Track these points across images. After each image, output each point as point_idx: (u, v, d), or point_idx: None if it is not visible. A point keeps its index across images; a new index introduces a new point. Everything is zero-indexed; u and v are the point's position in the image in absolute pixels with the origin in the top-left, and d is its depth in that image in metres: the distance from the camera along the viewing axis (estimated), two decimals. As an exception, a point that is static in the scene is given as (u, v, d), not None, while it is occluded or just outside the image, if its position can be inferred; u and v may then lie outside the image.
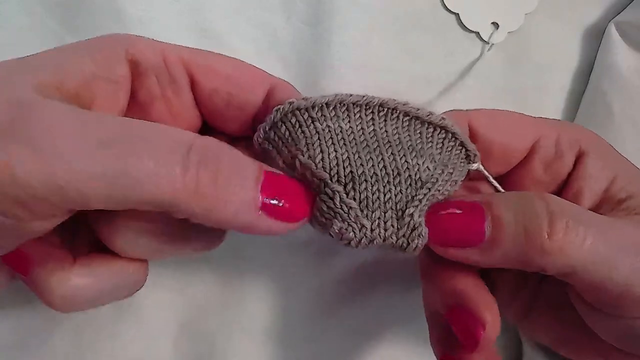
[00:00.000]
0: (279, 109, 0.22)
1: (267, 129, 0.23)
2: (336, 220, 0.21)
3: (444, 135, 0.23)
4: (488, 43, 0.34)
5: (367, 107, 0.22)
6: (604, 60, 0.34)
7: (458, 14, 0.34)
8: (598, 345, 0.25)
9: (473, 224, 0.21)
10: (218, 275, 0.30)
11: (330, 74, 0.31)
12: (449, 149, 0.23)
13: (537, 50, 0.34)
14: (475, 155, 0.24)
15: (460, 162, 0.24)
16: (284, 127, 0.22)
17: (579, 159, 0.25)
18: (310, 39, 0.32)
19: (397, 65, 0.33)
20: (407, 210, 0.21)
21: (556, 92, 0.35)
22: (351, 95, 0.22)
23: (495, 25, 0.34)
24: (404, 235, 0.21)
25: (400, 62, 0.33)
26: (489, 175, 0.25)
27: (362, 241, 0.21)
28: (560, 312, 0.26)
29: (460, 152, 0.24)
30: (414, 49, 0.33)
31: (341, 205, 0.21)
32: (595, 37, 0.35)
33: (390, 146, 0.22)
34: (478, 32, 0.34)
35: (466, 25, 0.34)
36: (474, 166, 0.24)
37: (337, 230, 0.21)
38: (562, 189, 0.26)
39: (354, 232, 0.21)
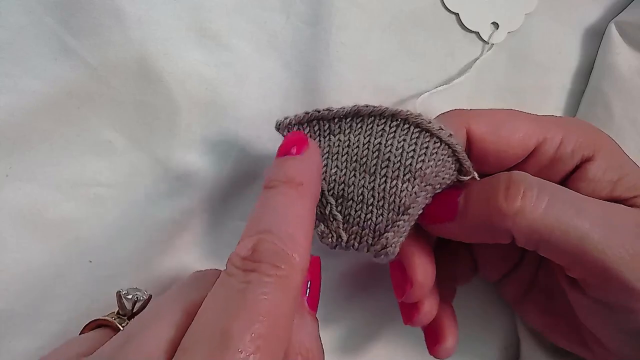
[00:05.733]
0: (306, 115, 0.25)
1: (293, 123, 0.25)
2: (322, 225, 0.24)
3: (446, 152, 0.24)
4: (488, 43, 0.34)
5: (381, 117, 0.24)
6: (604, 60, 0.34)
7: (458, 13, 0.34)
8: (583, 337, 0.26)
9: (447, 204, 0.24)
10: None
11: (330, 74, 0.31)
12: (446, 163, 0.24)
13: (537, 50, 0.34)
14: (468, 171, 0.25)
15: (451, 175, 0.25)
16: (307, 129, 0.25)
17: (582, 163, 0.25)
18: (309, 38, 0.32)
19: (396, 65, 0.33)
20: (385, 234, 0.24)
21: (556, 92, 0.35)
22: (367, 105, 0.24)
23: (495, 25, 0.34)
24: (375, 250, 0.24)
25: (400, 62, 0.33)
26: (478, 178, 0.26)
27: (337, 247, 0.25)
28: (551, 301, 0.26)
29: (455, 166, 0.25)
30: (413, 48, 0.33)
31: (329, 215, 0.24)
32: (595, 37, 0.35)
33: (387, 164, 0.24)
34: (478, 32, 0.34)
35: (466, 25, 0.34)
36: (466, 178, 0.25)
37: (319, 232, 0.25)
38: None
39: (332, 239, 0.24)
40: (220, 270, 0.21)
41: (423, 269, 0.25)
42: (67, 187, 0.29)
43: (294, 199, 0.21)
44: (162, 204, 0.30)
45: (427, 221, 0.25)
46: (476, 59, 0.33)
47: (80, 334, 0.24)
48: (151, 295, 0.25)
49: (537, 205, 0.21)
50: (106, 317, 0.23)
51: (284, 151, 0.23)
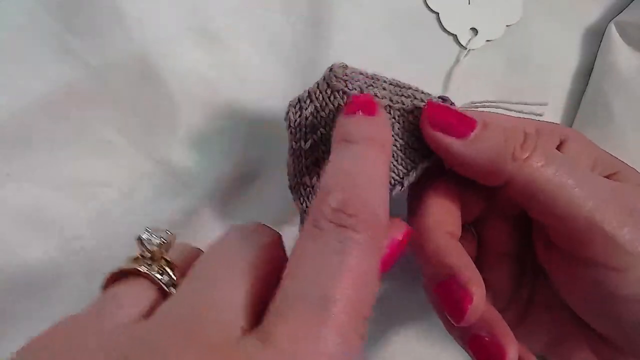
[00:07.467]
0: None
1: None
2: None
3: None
4: (466, 48, 0.34)
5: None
6: (604, 60, 0.34)
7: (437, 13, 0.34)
8: (592, 341, 0.25)
9: (465, 120, 0.24)
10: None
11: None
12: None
13: (537, 50, 0.34)
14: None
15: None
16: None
17: (561, 144, 0.26)
18: (310, 38, 0.32)
19: (396, 65, 0.33)
20: None
21: (556, 92, 0.35)
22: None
23: (475, 31, 0.34)
24: None
25: (401, 61, 0.33)
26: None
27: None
28: (555, 311, 0.26)
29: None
30: (414, 48, 0.33)
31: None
32: (595, 37, 0.35)
33: None
34: (456, 35, 0.34)
35: (447, 29, 0.34)
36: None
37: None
38: None
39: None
40: (262, 225, 0.20)
41: (475, 274, 0.24)
42: (67, 187, 0.29)
43: (377, 159, 0.20)
44: (163, 203, 0.30)
45: (439, 123, 0.24)
46: (454, 65, 0.34)
47: (104, 288, 0.20)
48: (175, 235, 0.22)
49: (539, 161, 0.23)
50: (134, 267, 0.20)
51: (353, 110, 0.22)
